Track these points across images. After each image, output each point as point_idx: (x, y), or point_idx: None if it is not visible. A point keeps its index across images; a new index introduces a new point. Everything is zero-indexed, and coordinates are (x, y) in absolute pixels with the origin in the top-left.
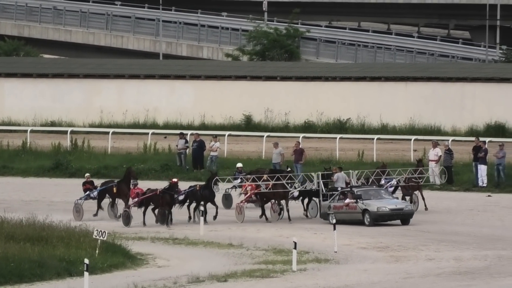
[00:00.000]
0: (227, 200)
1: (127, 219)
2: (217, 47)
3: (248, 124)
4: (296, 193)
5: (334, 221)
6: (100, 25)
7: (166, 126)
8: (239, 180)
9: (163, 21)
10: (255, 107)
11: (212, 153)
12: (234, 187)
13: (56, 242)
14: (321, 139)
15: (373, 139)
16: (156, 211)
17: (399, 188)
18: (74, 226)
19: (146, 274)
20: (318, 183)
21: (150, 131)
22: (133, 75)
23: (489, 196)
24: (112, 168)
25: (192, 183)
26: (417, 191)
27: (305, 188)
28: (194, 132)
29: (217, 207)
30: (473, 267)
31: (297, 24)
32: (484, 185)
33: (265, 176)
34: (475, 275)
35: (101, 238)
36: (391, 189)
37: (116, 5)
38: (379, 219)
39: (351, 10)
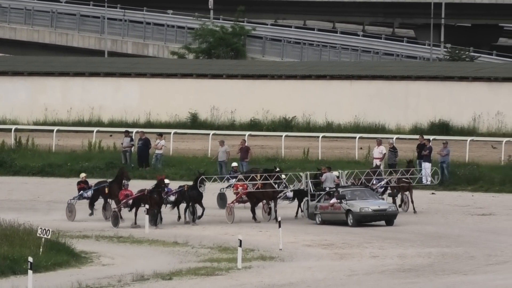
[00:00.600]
0: (222, 200)
1: (115, 219)
2: (163, 45)
3: (194, 122)
4: (290, 194)
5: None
6: (45, 22)
7: (111, 124)
8: (234, 180)
9: (108, 18)
10: (201, 105)
11: (157, 151)
12: (230, 186)
13: (0, 241)
14: (267, 137)
15: (318, 137)
16: (150, 213)
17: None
18: (19, 224)
19: (91, 272)
20: (307, 183)
21: (95, 129)
22: (78, 72)
23: (433, 193)
24: (57, 166)
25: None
26: (407, 192)
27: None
28: (140, 130)
29: (203, 209)
30: (417, 264)
31: (243, 22)
32: (428, 182)
33: (256, 176)
34: (419, 272)
35: (45, 236)
36: (381, 189)
37: (61, 2)
38: (362, 220)
39: (297, 8)
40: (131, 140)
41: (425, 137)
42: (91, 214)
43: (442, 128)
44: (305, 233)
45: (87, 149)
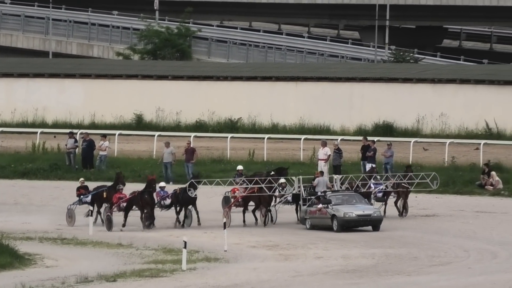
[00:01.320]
0: (227, 203)
1: (109, 223)
2: (108, 46)
3: (139, 123)
4: (289, 198)
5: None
6: None
7: (56, 125)
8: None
9: (53, 19)
10: (146, 106)
11: (101, 153)
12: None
13: None
14: (213, 138)
15: (263, 138)
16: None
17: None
18: None
19: (34, 274)
20: (299, 187)
21: (39, 130)
22: (22, 73)
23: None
24: (0, 167)
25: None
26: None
27: (285, 192)
28: (84, 131)
29: (197, 212)
30: (360, 265)
31: (189, 23)
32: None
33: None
34: (362, 273)
35: None
36: (380, 194)
37: (6, 3)
38: (346, 225)
39: (242, 10)
40: (75, 141)
41: (369, 138)
42: (87, 215)
43: (386, 129)
44: (250, 234)
45: (31, 150)
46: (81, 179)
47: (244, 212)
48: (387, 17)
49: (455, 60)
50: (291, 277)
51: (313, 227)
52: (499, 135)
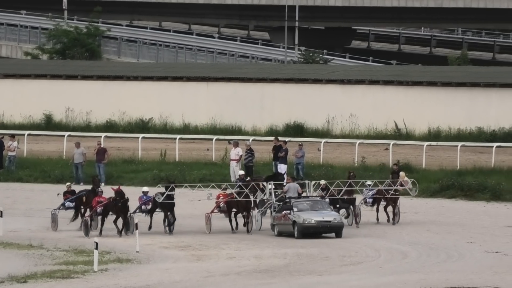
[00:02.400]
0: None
1: (86, 228)
2: (16, 45)
3: (49, 124)
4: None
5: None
6: None
7: None
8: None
9: None
10: (56, 106)
11: (10, 153)
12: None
13: None
14: (124, 138)
15: (175, 138)
16: (119, 222)
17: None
18: None
19: None
20: (270, 193)
21: None
22: None
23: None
24: None
25: None
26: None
27: (256, 198)
28: None
29: (174, 219)
30: (273, 265)
31: (98, 23)
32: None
33: (257, 184)
34: (275, 273)
35: None
36: (370, 200)
37: None
38: (305, 231)
39: (152, 9)
40: None
41: (281, 139)
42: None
43: (297, 129)
44: (162, 235)
45: None
46: (68, 183)
47: (230, 218)
48: (297, 18)
49: (364, 61)
50: (203, 278)
51: (280, 234)
52: (408, 136)
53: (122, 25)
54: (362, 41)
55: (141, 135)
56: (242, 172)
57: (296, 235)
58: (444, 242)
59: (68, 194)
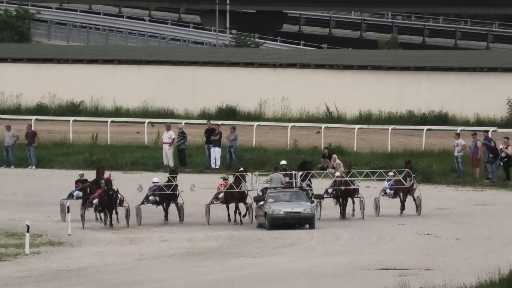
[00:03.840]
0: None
1: (82, 220)
2: None
3: None
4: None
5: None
6: None
7: None
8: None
9: None
10: None
11: None
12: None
13: None
14: (54, 121)
15: (107, 121)
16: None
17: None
18: None
19: None
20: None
21: None
22: None
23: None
24: None
25: None
26: (408, 194)
27: (240, 188)
28: None
29: (178, 208)
30: (206, 247)
31: (27, 5)
32: (217, 167)
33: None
34: (208, 255)
35: None
36: (391, 192)
37: None
38: (274, 223)
39: None
40: None
41: (213, 122)
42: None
43: (229, 113)
44: (94, 218)
45: None
46: (80, 172)
47: (228, 209)
48: (228, 2)
49: (295, 45)
50: (136, 261)
51: (260, 226)
52: (339, 119)
53: (51, 8)
54: (293, 25)
55: (72, 118)
56: (284, 162)
57: (266, 226)
58: (375, 224)
59: (80, 183)
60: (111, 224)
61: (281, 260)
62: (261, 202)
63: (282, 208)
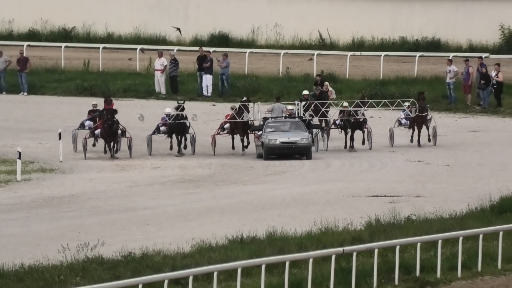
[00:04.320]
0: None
1: (84, 149)
2: None
3: None
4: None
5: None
6: None
7: None
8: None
9: None
10: None
11: None
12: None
13: None
14: (46, 47)
15: (98, 48)
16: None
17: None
18: None
19: None
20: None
21: None
22: None
23: (213, 105)
24: None
25: None
26: (423, 125)
27: (242, 118)
28: None
29: (185, 140)
30: (198, 175)
31: None
32: (209, 94)
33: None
34: (199, 182)
35: None
36: (407, 122)
37: None
38: (270, 152)
39: None
40: None
41: (205, 49)
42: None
43: (222, 40)
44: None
45: None
46: (94, 102)
47: (232, 139)
48: None
49: None
50: (127, 188)
51: (260, 156)
52: (332, 46)
53: None
54: None
55: (63, 44)
56: (306, 92)
57: (263, 156)
58: (366, 152)
59: (92, 113)
60: (112, 155)
61: (272, 188)
62: (259, 132)
63: (278, 138)
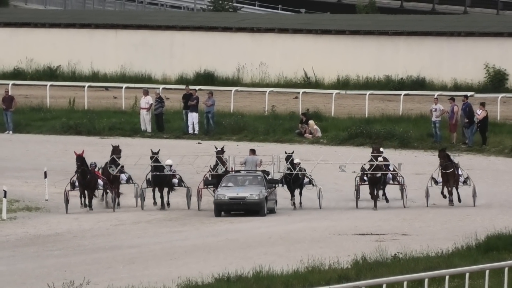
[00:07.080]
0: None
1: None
2: None
3: None
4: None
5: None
6: None
7: None
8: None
9: None
10: None
11: None
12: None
13: None
14: (31, 86)
15: (84, 86)
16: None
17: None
18: None
19: None
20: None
21: None
22: None
23: (199, 143)
24: None
25: None
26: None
27: (217, 171)
28: None
29: (168, 193)
30: (183, 213)
31: None
32: (196, 132)
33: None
34: (185, 221)
35: None
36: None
37: None
38: (219, 208)
39: None
40: None
41: (192, 87)
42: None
43: (207, 78)
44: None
45: None
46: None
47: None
48: None
49: (273, 9)
50: (113, 226)
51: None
52: (317, 84)
53: None
54: None
55: (49, 83)
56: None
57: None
58: (353, 190)
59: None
60: (86, 205)
61: (259, 226)
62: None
63: (227, 193)
